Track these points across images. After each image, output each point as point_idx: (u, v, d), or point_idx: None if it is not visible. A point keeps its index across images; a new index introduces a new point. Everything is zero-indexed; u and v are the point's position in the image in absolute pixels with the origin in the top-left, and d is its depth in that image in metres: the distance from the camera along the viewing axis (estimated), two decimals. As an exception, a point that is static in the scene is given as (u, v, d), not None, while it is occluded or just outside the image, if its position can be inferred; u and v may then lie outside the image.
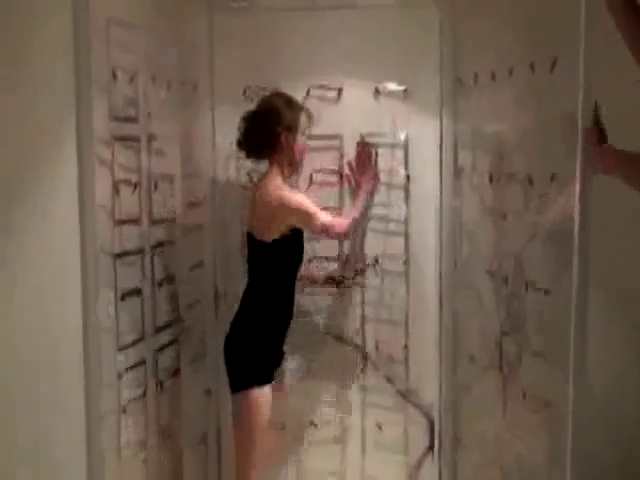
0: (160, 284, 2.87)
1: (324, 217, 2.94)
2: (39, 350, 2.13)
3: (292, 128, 2.97)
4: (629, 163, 1.93)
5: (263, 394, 2.91)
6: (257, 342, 2.98)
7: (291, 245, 2.98)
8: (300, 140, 3.00)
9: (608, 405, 2.71)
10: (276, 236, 2.92)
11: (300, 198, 2.95)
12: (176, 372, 3.03)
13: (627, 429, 2.79)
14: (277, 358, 3.07)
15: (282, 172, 3.00)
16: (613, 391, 2.74)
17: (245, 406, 2.92)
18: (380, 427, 3.40)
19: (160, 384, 2.85)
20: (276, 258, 2.98)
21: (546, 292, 2.40)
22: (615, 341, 2.75)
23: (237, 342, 3.00)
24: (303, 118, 2.99)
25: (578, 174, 2.06)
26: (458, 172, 3.12)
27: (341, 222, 2.99)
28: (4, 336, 1.97)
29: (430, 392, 3.31)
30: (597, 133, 2.01)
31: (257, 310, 3.00)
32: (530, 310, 2.54)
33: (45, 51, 2.15)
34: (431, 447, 3.34)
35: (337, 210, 3.26)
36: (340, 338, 3.38)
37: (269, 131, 2.97)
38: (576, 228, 2.08)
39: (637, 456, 2.75)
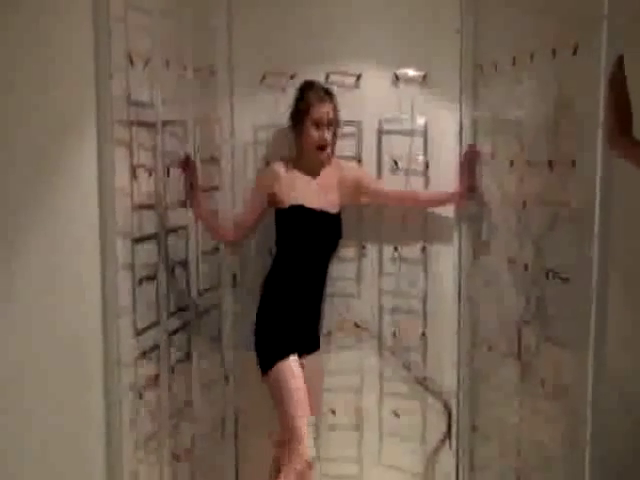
0: (174, 269, 2.89)
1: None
2: (58, 332, 2.15)
3: (303, 116, 3.01)
4: None
5: (288, 367, 2.94)
6: (270, 318, 3.05)
7: (284, 218, 3.04)
8: (309, 129, 3.00)
9: (627, 392, 2.69)
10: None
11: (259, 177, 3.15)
12: (189, 356, 3.04)
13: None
14: (300, 336, 3.07)
15: (301, 158, 3.08)
16: (632, 378, 2.72)
17: (273, 384, 2.96)
18: (397, 414, 3.39)
19: (173, 368, 2.86)
20: (278, 230, 3.08)
21: (566, 280, 2.39)
22: (635, 328, 2.73)
23: (257, 320, 3.08)
24: (316, 108, 2.99)
25: (599, 160, 2.04)
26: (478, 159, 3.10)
27: None
28: (24, 317, 1.99)
29: (448, 380, 3.30)
30: (619, 123, 1.98)
31: (272, 286, 3.08)
32: (550, 298, 2.52)
33: (65, 36, 2.16)
34: (448, 435, 3.33)
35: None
36: (358, 325, 3.38)
37: (292, 116, 3.08)
38: (596, 215, 2.07)
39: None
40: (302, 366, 3.01)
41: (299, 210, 3.01)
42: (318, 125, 3.00)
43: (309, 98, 3.01)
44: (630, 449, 2.72)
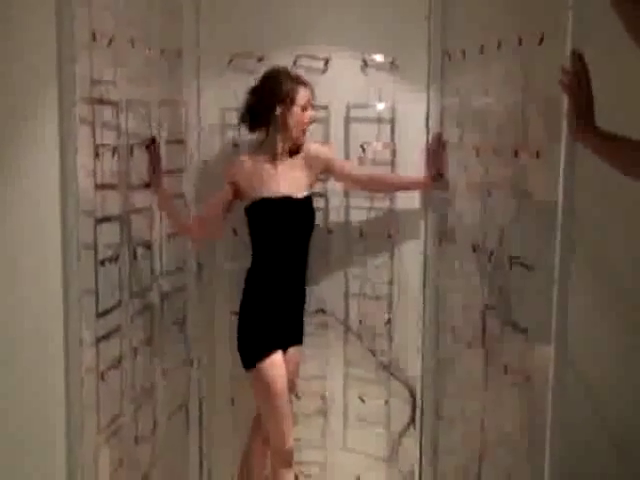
0: (137, 250, 2.86)
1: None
2: (19, 313, 2.13)
3: (288, 102, 2.99)
4: (607, 147, 1.91)
5: (272, 368, 2.96)
6: (253, 314, 3.05)
7: (252, 213, 3.03)
8: (297, 114, 3.01)
9: (588, 379, 2.73)
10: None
11: (230, 167, 3.08)
12: (152, 339, 3.02)
13: (608, 403, 2.81)
14: (284, 331, 3.08)
15: (276, 145, 3.05)
16: (594, 366, 2.76)
17: (257, 384, 3.00)
18: (362, 400, 3.41)
19: (136, 351, 2.84)
20: (250, 225, 3.06)
21: (530, 268, 2.40)
22: (597, 317, 2.76)
23: (239, 317, 3.08)
24: (301, 92, 3.01)
25: (563, 150, 2.05)
26: (444, 146, 3.11)
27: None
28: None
29: (412, 365, 3.32)
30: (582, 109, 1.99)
31: (252, 281, 3.07)
32: (513, 285, 2.54)
33: (27, 13, 2.13)
34: (412, 420, 3.35)
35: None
36: (324, 311, 3.38)
37: (266, 105, 3.02)
38: (560, 204, 2.07)
39: (618, 428, 2.78)
40: (285, 362, 3.04)
41: (263, 203, 3.00)
42: (305, 109, 3.03)
43: (292, 84, 3.00)
44: (590, 434, 2.76)
